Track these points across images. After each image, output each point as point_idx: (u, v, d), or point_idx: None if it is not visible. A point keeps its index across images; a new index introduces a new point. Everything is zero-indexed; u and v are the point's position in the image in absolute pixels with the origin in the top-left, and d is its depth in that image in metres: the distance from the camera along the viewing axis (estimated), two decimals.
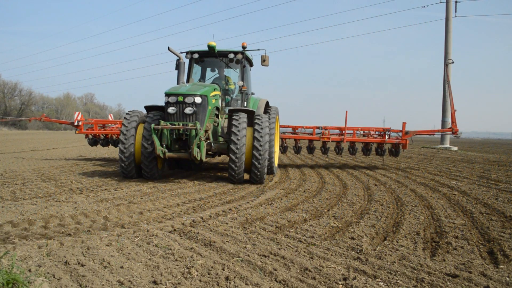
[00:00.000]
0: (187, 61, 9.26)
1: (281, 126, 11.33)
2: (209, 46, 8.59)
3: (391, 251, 3.58)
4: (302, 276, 2.94)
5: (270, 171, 9.30)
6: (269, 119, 9.20)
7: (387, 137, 11.53)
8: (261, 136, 7.52)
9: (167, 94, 7.47)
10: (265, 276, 2.93)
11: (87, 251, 3.32)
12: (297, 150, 12.21)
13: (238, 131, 7.41)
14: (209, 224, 4.43)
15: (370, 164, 13.24)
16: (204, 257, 3.28)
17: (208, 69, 9.87)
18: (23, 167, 9.96)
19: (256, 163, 7.51)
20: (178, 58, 8.75)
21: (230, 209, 5.30)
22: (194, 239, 3.82)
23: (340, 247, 3.68)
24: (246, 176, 8.13)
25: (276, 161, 10.02)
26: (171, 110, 7.40)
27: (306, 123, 15.12)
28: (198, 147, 7.25)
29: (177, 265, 3.08)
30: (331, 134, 11.74)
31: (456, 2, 24.89)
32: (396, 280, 2.90)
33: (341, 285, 2.79)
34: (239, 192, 6.82)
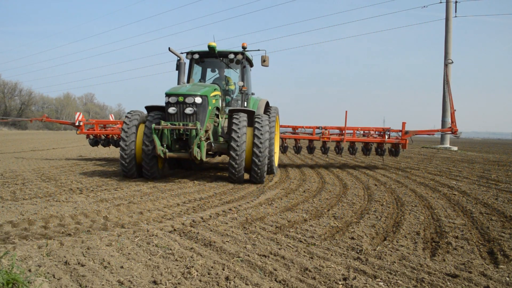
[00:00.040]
0: (187, 61, 9.30)
1: (281, 126, 11.34)
2: (209, 46, 8.63)
3: (391, 251, 3.59)
4: (302, 276, 2.94)
5: (270, 171, 9.32)
6: (269, 119, 9.22)
7: (386, 137, 11.55)
8: (261, 136, 7.54)
9: (168, 95, 7.50)
10: (265, 276, 2.93)
11: (87, 251, 3.32)
12: (297, 150, 12.24)
13: (239, 130, 7.43)
14: (209, 224, 4.43)
15: (370, 164, 13.24)
16: (204, 257, 3.28)
17: (209, 70, 9.90)
18: (23, 167, 9.97)
19: (256, 163, 7.54)
20: (178, 58, 8.77)
21: (230, 209, 5.30)
22: (194, 239, 3.83)
23: (340, 247, 3.68)
24: (246, 176, 8.14)
25: (276, 161, 10.03)
26: (171, 110, 7.43)
27: (306, 123, 15.14)
28: (199, 147, 7.28)
29: (177, 265, 3.08)
30: (331, 134, 11.76)
31: (456, 2, 24.91)
32: (396, 280, 2.91)
33: (341, 285, 2.79)
34: (239, 192, 6.82)
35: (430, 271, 3.09)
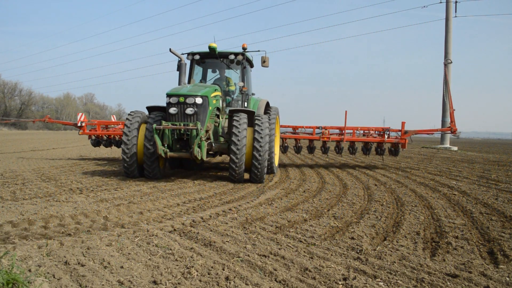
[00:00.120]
0: (188, 62, 9.33)
1: (281, 126, 11.36)
2: (210, 47, 8.67)
3: (391, 251, 3.59)
4: (302, 276, 2.94)
5: (270, 171, 9.34)
6: (269, 119, 9.25)
7: (386, 136, 11.56)
8: (261, 137, 7.57)
9: (169, 95, 7.54)
10: (265, 276, 2.93)
11: (87, 251, 3.32)
12: (298, 150, 12.25)
13: (239, 131, 7.46)
14: (209, 224, 4.43)
15: (370, 164, 13.24)
16: (204, 257, 3.28)
17: (209, 70, 9.93)
18: (23, 167, 9.97)
19: (256, 163, 7.56)
20: (179, 59, 8.80)
21: (230, 209, 5.30)
22: (194, 239, 3.83)
23: (340, 247, 3.68)
24: (246, 176, 8.15)
25: (276, 161, 10.05)
26: (172, 110, 7.47)
27: (306, 123, 15.15)
28: (199, 147, 7.32)
29: (177, 265, 3.08)
30: (331, 134, 11.77)
31: (456, 2, 24.92)
32: (396, 280, 2.91)
33: (341, 285, 2.79)
34: (239, 192, 6.83)
35: (430, 271, 3.09)
